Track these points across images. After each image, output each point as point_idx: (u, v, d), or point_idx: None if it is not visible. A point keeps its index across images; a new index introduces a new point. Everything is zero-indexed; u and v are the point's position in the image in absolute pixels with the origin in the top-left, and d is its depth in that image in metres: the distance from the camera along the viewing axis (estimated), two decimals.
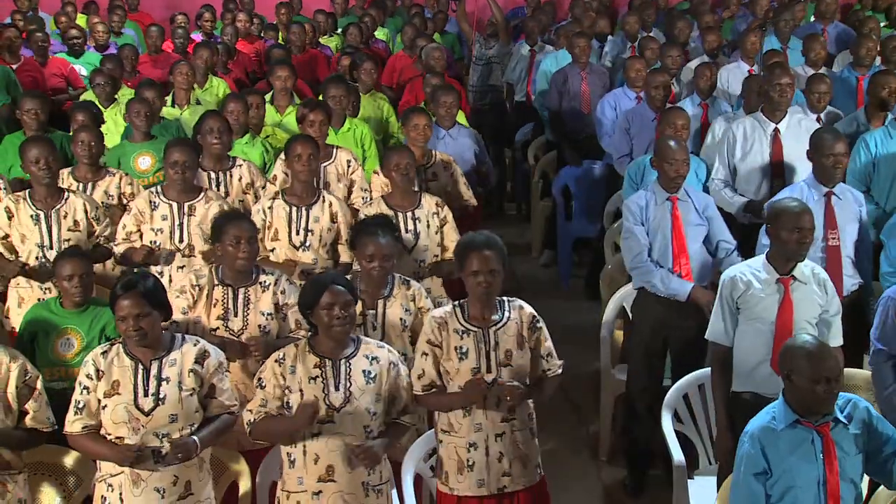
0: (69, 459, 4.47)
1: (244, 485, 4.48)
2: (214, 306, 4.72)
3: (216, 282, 4.75)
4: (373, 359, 4.13)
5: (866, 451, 3.80)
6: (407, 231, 5.50)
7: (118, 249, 5.53)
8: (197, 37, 10.45)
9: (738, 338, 4.60)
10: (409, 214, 5.54)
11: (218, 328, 4.69)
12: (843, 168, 5.43)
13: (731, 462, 4.46)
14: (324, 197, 5.61)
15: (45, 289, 5.36)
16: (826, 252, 5.25)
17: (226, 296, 4.73)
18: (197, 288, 4.72)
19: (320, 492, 4.02)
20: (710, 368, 4.79)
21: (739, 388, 4.60)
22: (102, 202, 5.94)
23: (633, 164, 6.57)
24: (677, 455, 4.80)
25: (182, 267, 5.41)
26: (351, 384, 4.05)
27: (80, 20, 11.05)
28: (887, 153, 5.98)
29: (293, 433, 4.02)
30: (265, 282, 4.78)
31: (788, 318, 4.47)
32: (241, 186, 6.11)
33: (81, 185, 5.99)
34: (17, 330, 5.08)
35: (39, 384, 4.26)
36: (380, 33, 11.31)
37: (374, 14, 11.56)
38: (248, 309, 4.73)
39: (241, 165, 6.17)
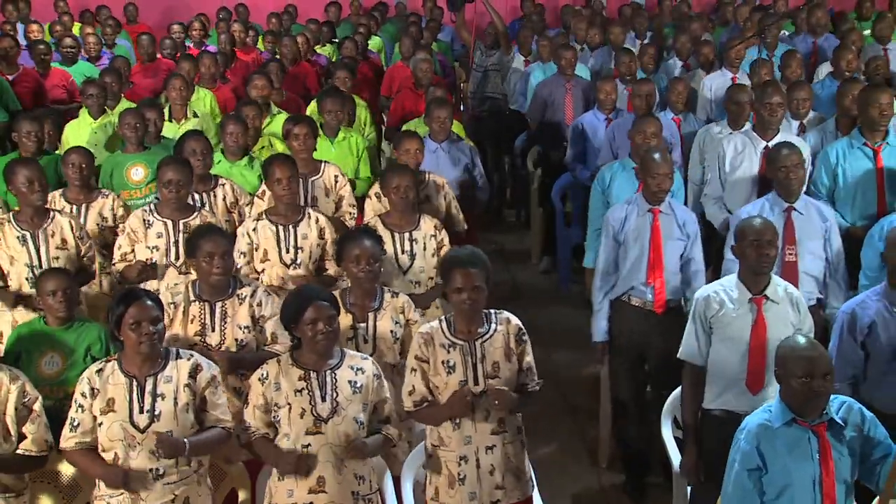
0: (69, 470, 4.46)
1: (243, 492, 4.49)
2: (191, 322, 4.71)
3: (192, 297, 4.75)
4: (358, 370, 4.14)
5: (859, 453, 3.83)
6: (403, 252, 5.46)
7: (115, 269, 5.52)
8: (188, 46, 10.45)
9: (712, 356, 4.60)
10: (406, 235, 5.49)
11: (196, 344, 4.67)
12: (797, 180, 5.42)
13: (697, 479, 4.57)
14: (309, 213, 5.59)
15: (39, 310, 5.32)
16: (782, 267, 5.22)
17: (203, 311, 4.72)
18: (172, 305, 4.69)
19: (311, 503, 4.02)
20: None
21: (711, 405, 4.60)
22: (97, 224, 5.95)
23: (605, 168, 6.57)
24: (676, 462, 4.79)
25: (178, 284, 5.37)
26: (337, 394, 4.06)
27: (75, 28, 11.07)
28: (850, 165, 5.96)
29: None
30: (242, 294, 4.77)
31: (762, 337, 4.47)
32: (225, 206, 6.09)
33: (74, 206, 5.97)
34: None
35: (38, 406, 4.23)
36: (372, 44, 11.33)
37: (367, 24, 11.57)
38: (226, 323, 4.72)
39: (223, 185, 6.16)
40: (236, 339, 4.71)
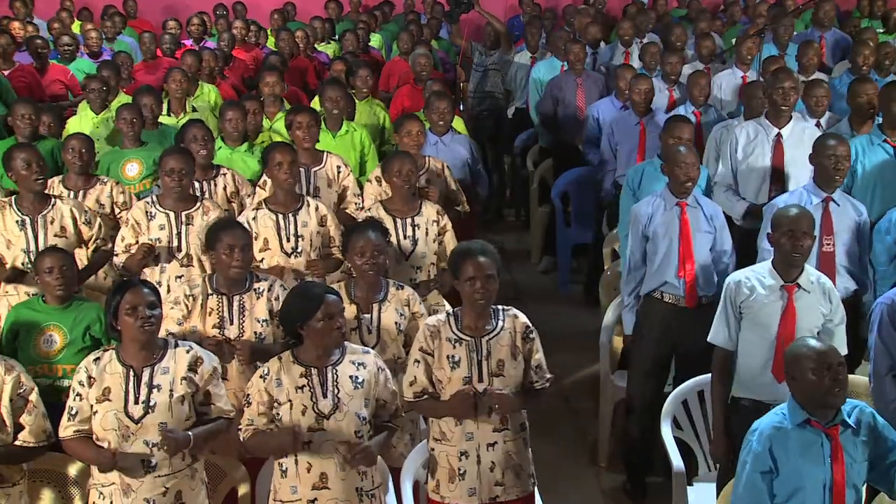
0: (70, 468, 4.43)
1: (243, 492, 4.46)
2: (209, 315, 4.69)
3: (210, 291, 4.73)
4: (359, 364, 4.09)
5: (871, 458, 3.78)
6: (405, 237, 5.46)
7: (118, 260, 5.47)
8: (188, 43, 10.43)
9: (740, 344, 4.60)
10: (408, 221, 5.50)
11: (214, 337, 4.65)
12: (843, 171, 5.38)
13: (727, 465, 4.50)
14: (308, 202, 5.56)
15: (34, 294, 5.28)
16: (820, 257, 5.22)
17: (220, 304, 4.70)
18: (191, 298, 4.69)
19: (315, 499, 3.99)
20: (710, 373, 4.77)
21: (739, 393, 4.60)
22: (94, 210, 5.89)
23: (632, 169, 6.52)
24: (677, 461, 4.79)
25: (180, 276, 5.37)
26: (339, 391, 4.02)
27: (76, 26, 11.03)
28: (869, 161, 5.93)
29: (281, 452, 4.01)
30: (259, 288, 4.76)
31: (791, 326, 4.45)
32: (225, 195, 6.07)
33: (72, 193, 5.94)
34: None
35: (34, 396, 4.19)
36: (373, 40, 11.31)
37: (368, 20, 11.54)
38: (244, 316, 4.70)
39: (224, 174, 6.14)
40: (255, 333, 4.69)
